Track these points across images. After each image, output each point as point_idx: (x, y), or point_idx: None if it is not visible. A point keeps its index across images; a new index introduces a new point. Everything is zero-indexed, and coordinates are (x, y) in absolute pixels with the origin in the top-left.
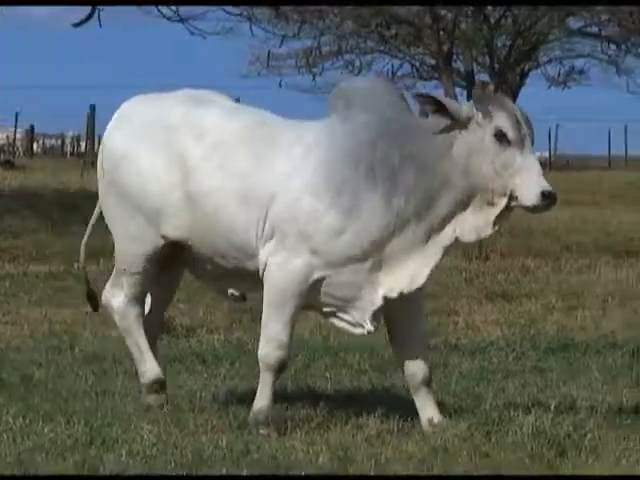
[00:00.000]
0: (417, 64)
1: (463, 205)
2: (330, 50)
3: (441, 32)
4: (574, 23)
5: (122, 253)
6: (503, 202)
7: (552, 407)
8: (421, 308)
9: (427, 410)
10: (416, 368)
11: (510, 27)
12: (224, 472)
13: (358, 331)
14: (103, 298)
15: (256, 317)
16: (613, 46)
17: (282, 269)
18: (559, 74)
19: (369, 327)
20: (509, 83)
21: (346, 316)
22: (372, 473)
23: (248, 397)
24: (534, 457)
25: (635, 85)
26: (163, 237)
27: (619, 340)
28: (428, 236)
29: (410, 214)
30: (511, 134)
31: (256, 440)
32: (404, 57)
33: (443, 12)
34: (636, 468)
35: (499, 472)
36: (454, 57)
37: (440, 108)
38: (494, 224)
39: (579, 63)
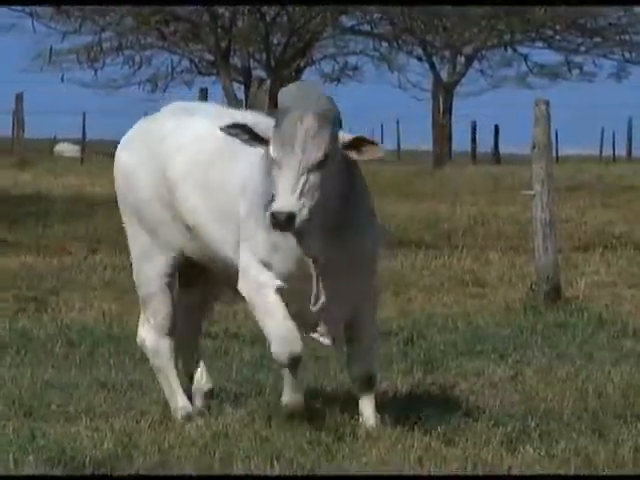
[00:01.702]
0: (196, 60)
1: None
2: (111, 46)
3: (219, 29)
4: (347, 21)
5: (137, 273)
6: None
7: (329, 393)
8: None
9: None
10: None
11: (285, 25)
12: (10, 458)
13: (325, 342)
14: (138, 339)
15: (40, 307)
16: (385, 44)
17: (244, 278)
18: (333, 70)
19: (325, 340)
20: (285, 79)
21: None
22: (156, 458)
23: (33, 384)
24: (312, 442)
25: (406, 81)
26: (171, 254)
27: (394, 328)
28: None
29: None
30: (272, 152)
31: (41, 427)
32: (183, 53)
33: (221, 10)
34: (411, 452)
35: (279, 456)
36: (232, 53)
37: (250, 134)
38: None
39: (352, 60)
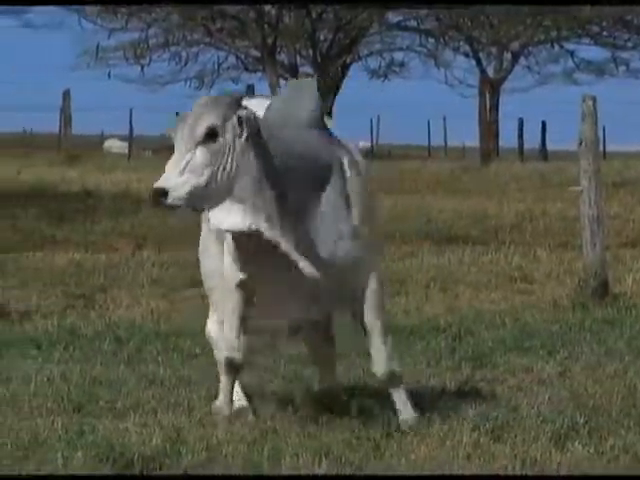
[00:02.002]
0: (242, 56)
1: None
2: (157, 42)
3: (265, 26)
4: (393, 17)
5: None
6: None
7: (377, 390)
8: None
9: None
10: None
11: (331, 21)
12: (59, 454)
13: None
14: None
15: (88, 304)
16: (431, 39)
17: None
18: (380, 66)
19: None
20: (331, 75)
21: None
22: (204, 454)
23: (82, 380)
24: (361, 438)
25: (453, 77)
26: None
27: (441, 324)
28: None
29: None
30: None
31: (90, 423)
32: (229, 49)
33: (267, 7)
34: (459, 448)
35: (327, 452)
36: (278, 50)
37: None
38: None
39: (399, 56)
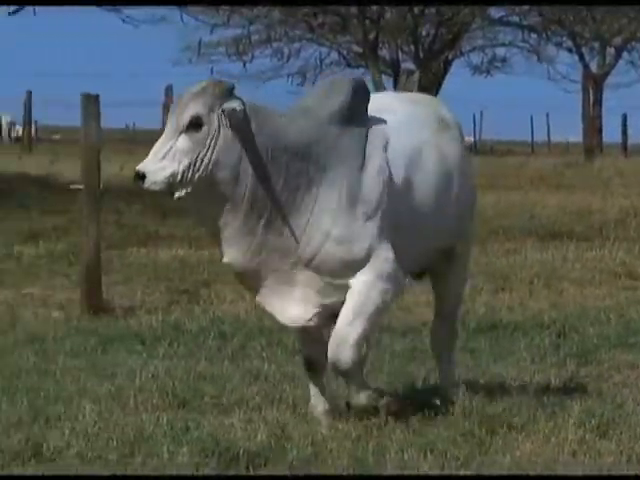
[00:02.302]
0: (344, 52)
1: None
2: (259, 38)
3: (367, 21)
4: (495, 12)
5: None
6: None
7: (482, 386)
8: None
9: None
10: None
11: (434, 16)
12: (165, 450)
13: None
14: None
15: (192, 299)
16: (534, 35)
17: None
18: (482, 62)
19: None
20: (434, 71)
21: None
22: (309, 450)
23: (186, 376)
24: (465, 435)
25: (556, 73)
26: None
27: (546, 320)
28: None
29: None
30: None
31: (196, 418)
32: (331, 45)
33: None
34: (565, 445)
35: (433, 448)
36: (380, 45)
37: None
38: None
39: (501, 51)
